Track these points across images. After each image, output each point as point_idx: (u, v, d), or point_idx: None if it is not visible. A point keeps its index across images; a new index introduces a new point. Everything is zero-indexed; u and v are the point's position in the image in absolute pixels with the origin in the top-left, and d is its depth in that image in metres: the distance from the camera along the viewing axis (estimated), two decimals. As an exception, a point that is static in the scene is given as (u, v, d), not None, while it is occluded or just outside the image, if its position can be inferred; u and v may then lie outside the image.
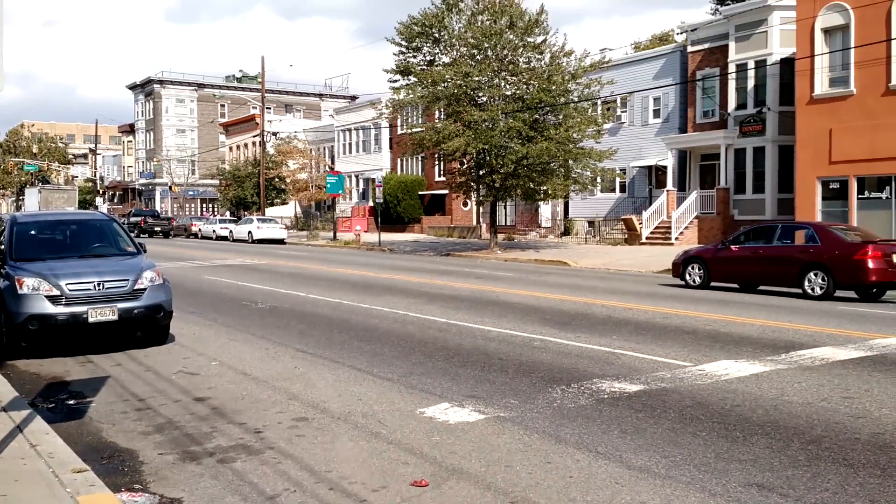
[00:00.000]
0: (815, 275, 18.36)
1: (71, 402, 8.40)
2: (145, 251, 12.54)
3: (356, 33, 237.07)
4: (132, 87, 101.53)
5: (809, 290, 18.39)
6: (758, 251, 20.05)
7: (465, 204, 53.64)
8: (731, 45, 35.37)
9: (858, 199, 28.70)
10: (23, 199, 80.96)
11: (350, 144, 66.27)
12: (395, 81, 36.71)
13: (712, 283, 20.67)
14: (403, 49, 36.07)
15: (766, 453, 6.49)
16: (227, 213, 69.60)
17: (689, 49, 38.65)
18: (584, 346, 11.32)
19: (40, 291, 10.47)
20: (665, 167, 38.46)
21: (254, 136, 71.44)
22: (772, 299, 18.27)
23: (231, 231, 52.39)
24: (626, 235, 37.58)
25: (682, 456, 6.41)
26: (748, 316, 14.45)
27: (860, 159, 28.34)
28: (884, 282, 18.19)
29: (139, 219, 60.61)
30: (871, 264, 17.87)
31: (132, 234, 13.24)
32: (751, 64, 34.56)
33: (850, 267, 18.05)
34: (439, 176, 54.39)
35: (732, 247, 20.54)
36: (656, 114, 40.88)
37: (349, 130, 66.06)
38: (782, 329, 12.90)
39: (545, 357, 10.53)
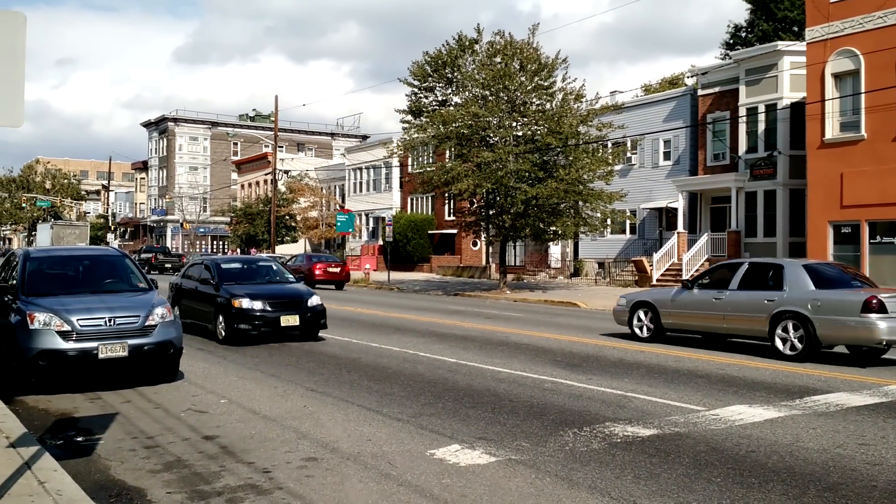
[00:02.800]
0: (300, 278, 28.97)
1: (79, 438, 8.35)
2: (157, 287, 12.54)
3: (364, 74, 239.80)
4: (146, 125, 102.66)
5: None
6: (292, 267, 35.95)
7: (475, 244, 53.67)
8: (742, 89, 35.56)
9: (870, 243, 28.59)
10: (34, 234, 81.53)
11: (361, 183, 66.61)
12: (408, 121, 37.01)
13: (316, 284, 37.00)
14: (416, 89, 36.41)
15: (782, 500, 6.39)
16: (238, 251, 69.77)
17: (700, 92, 38.88)
18: (596, 388, 11.23)
19: (51, 327, 10.47)
20: (675, 209, 38.47)
21: (265, 174, 71.93)
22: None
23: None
24: (637, 277, 37.48)
25: (696, 502, 6.32)
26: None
27: (871, 204, 28.29)
28: (324, 279, 38.67)
29: (150, 255, 60.82)
30: (317, 271, 38.90)
31: (143, 270, 13.26)
32: (761, 108, 34.71)
33: (312, 273, 38.18)
34: (449, 215, 54.53)
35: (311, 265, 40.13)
36: (667, 156, 41.02)
37: (360, 169, 66.45)
38: (796, 374, 12.78)
39: (556, 399, 10.44)
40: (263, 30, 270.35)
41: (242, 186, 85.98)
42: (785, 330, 14.68)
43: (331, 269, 39.52)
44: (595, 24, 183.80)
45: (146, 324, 11.02)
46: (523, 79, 33.94)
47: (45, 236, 66.70)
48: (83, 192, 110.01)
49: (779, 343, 14.78)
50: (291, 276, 18.86)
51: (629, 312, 17.94)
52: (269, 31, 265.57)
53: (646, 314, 17.51)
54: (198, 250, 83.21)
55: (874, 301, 13.69)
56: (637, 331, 17.62)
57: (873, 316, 13.60)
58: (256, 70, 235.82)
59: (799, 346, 14.44)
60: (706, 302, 16.32)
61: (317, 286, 36.19)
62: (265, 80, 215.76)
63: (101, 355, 10.54)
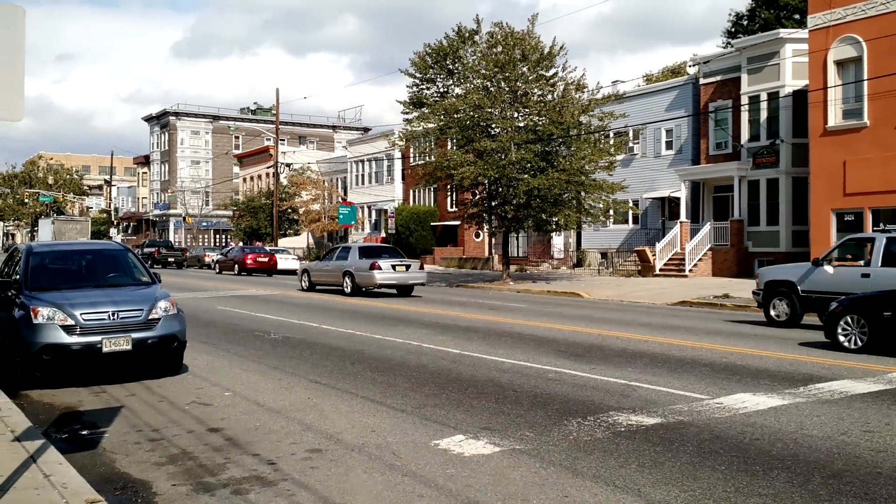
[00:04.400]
0: (237, 266, 45.53)
1: (84, 432, 8.37)
2: (160, 281, 12.54)
3: (363, 67, 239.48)
4: (148, 119, 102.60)
5: (237, 274, 45.02)
6: (229, 258, 48.05)
7: (478, 235, 53.65)
8: (744, 78, 35.46)
9: (874, 231, 28.51)
10: (37, 229, 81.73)
11: (363, 175, 66.56)
12: (409, 113, 36.94)
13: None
14: (417, 81, 36.34)
15: (786, 487, 6.39)
16: (241, 244, 69.81)
17: (702, 81, 38.78)
18: (600, 378, 11.23)
19: (55, 321, 10.47)
20: (678, 199, 38.42)
21: (267, 168, 71.89)
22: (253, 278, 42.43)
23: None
24: (640, 267, 37.47)
25: (701, 490, 6.32)
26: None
27: (875, 191, 28.22)
28: (255, 268, 44.89)
29: (153, 249, 60.88)
30: (248, 261, 45.11)
31: (146, 264, 13.26)
32: (763, 96, 34.62)
33: (244, 262, 45.37)
34: (451, 207, 54.51)
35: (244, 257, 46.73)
36: (669, 145, 40.94)
37: (362, 161, 66.40)
38: (800, 362, 12.77)
39: (560, 389, 10.45)
40: (261, 23, 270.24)
41: (244, 180, 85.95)
42: (346, 280, 28.44)
43: (260, 259, 46.47)
44: (593, 14, 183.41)
45: (149, 317, 11.02)
46: (525, 69, 33.86)
47: (46, 232, 66.97)
48: (85, 187, 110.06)
49: (345, 287, 28.42)
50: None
51: (300, 275, 32.54)
52: (267, 25, 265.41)
53: (307, 275, 31.58)
54: (201, 244, 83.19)
55: (375, 264, 27.54)
56: (303, 285, 31.50)
57: (374, 271, 27.45)
58: (255, 63, 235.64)
59: (350, 288, 28.19)
60: (323, 266, 30.76)
61: (253, 274, 45.44)
62: (265, 73, 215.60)
63: (104, 349, 10.55)
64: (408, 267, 28.45)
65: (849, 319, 14.06)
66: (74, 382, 10.94)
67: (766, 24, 48.28)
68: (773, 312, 18.36)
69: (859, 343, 13.83)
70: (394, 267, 27.92)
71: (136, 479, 6.74)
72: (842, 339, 14.06)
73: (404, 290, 28.56)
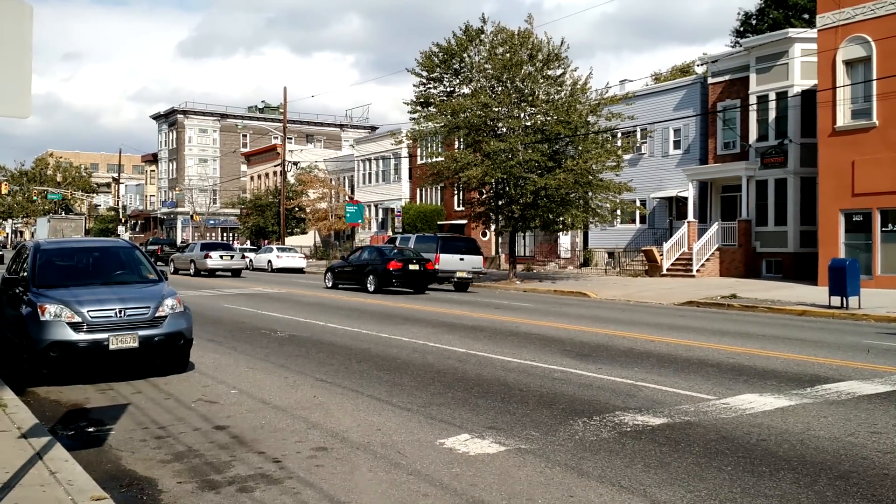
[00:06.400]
0: (171, 266, 47.61)
1: (91, 429, 8.38)
2: (167, 279, 12.55)
3: (368, 65, 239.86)
4: (156, 118, 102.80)
5: (187, 271, 43.84)
6: (204, 257, 47.42)
7: (484, 234, 53.60)
8: (752, 77, 35.35)
9: (882, 231, 28.45)
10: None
11: (370, 174, 66.56)
12: (415, 112, 36.94)
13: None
14: (424, 80, 36.33)
15: (793, 489, 6.36)
16: (248, 242, 69.91)
17: (710, 81, 38.68)
18: (606, 377, 11.21)
19: (62, 318, 10.48)
20: (686, 198, 38.33)
21: (275, 166, 71.99)
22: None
23: (251, 260, 52.57)
24: (647, 267, 37.39)
25: (707, 491, 6.30)
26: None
27: (884, 192, 28.12)
28: (216, 270, 41.38)
29: (156, 247, 61.01)
30: (204, 262, 45.35)
31: (153, 262, 13.27)
32: (772, 95, 34.52)
33: (200, 263, 44.29)
34: (458, 206, 54.47)
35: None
36: (677, 145, 40.85)
37: (369, 160, 66.40)
38: (807, 363, 12.73)
39: (566, 389, 10.43)
40: (266, 22, 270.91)
41: (252, 178, 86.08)
42: (191, 265, 41.43)
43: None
44: (597, 14, 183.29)
45: (156, 315, 11.02)
46: (531, 69, 33.82)
47: (43, 230, 67.66)
48: (94, 185, 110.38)
49: (190, 270, 41.23)
50: (152, 269, 12.72)
51: (169, 263, 44.48)
52: (272, 24, 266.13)
53: (172, 262, 43.75)
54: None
55: (208, 254, 40.05)
56: (170, 269, 40.23)
57: (207, 259, 39.84)
58: (261, 62, 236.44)
59: (193, 271, 40.96)
60: (180, 256, 43.98)
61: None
62: (270, 72, 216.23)
63: (111, 346, 10.56)
64: (232, 257, 41.12)
65: (328, 274, 32.18)
66: (81, 380, 10.96)
67: (774, 24, 48.11)
68: (328, 283, 32.08)
69: (330, 284, 31.61)
70: (221, 256, 40.47)
71: (141, 476, 6.75)
72: (325, 283, 31.99)
73: (234, 273, 40.84)
